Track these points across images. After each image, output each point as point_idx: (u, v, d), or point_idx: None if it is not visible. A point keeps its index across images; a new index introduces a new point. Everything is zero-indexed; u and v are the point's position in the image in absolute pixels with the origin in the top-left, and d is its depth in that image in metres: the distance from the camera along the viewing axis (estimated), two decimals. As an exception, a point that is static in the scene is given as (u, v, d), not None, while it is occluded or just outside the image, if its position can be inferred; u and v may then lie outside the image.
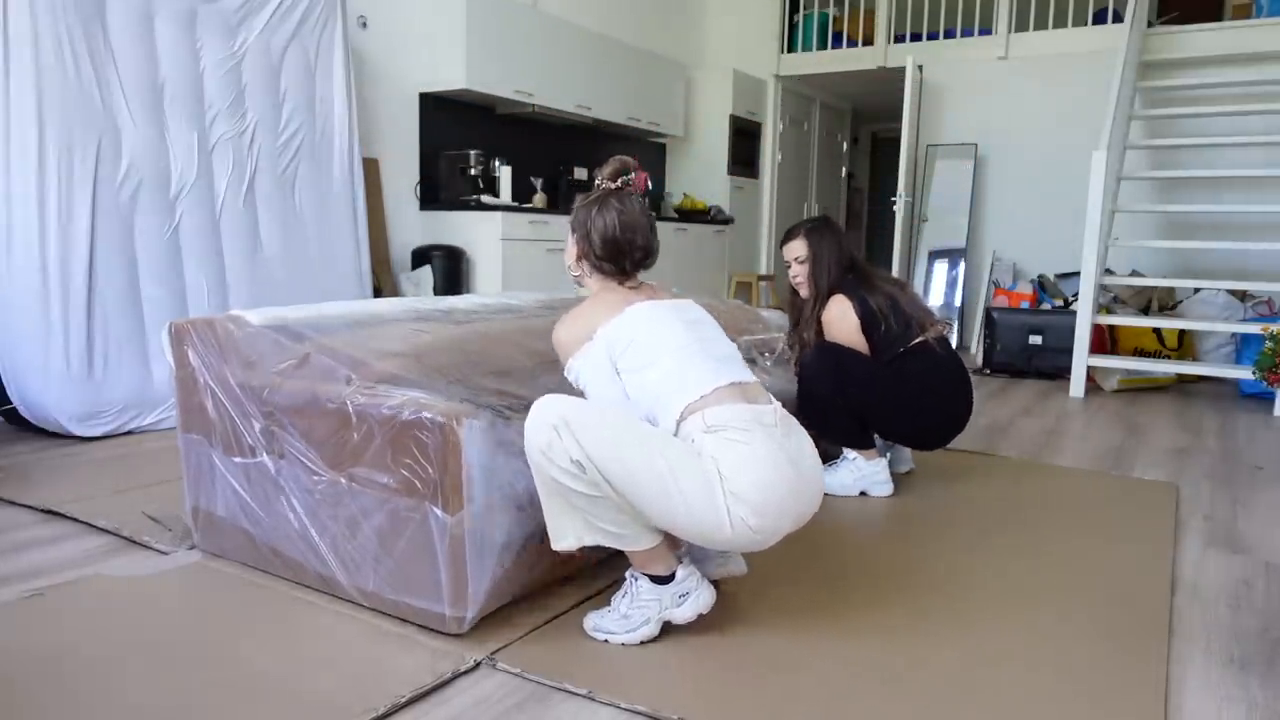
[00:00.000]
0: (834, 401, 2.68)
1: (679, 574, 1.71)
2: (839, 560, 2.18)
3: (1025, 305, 5.67)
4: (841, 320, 2.70)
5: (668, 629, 1.73)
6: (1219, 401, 4.68)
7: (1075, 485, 2.95)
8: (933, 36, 7.05)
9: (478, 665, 1.60)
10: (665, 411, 1.69)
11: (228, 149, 3.69)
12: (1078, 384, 4.76)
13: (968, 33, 6.93)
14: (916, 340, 2.70)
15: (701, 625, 1.77)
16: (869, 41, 7.29)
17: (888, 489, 2.77)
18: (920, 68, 6.86)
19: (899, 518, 2.54)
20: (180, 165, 3.51)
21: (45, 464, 2.84)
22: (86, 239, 3.19)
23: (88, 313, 3.19)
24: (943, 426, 2.81)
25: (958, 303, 6.73)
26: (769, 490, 1.61)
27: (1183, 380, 5.18)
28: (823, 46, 7.51)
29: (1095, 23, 6.47)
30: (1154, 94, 6.02)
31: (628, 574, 1.74)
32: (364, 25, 4.81)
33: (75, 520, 2.31)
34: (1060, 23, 6.68)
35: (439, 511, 1.66)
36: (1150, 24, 6.18)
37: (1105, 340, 5.20)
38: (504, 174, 5.35)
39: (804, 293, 2.80)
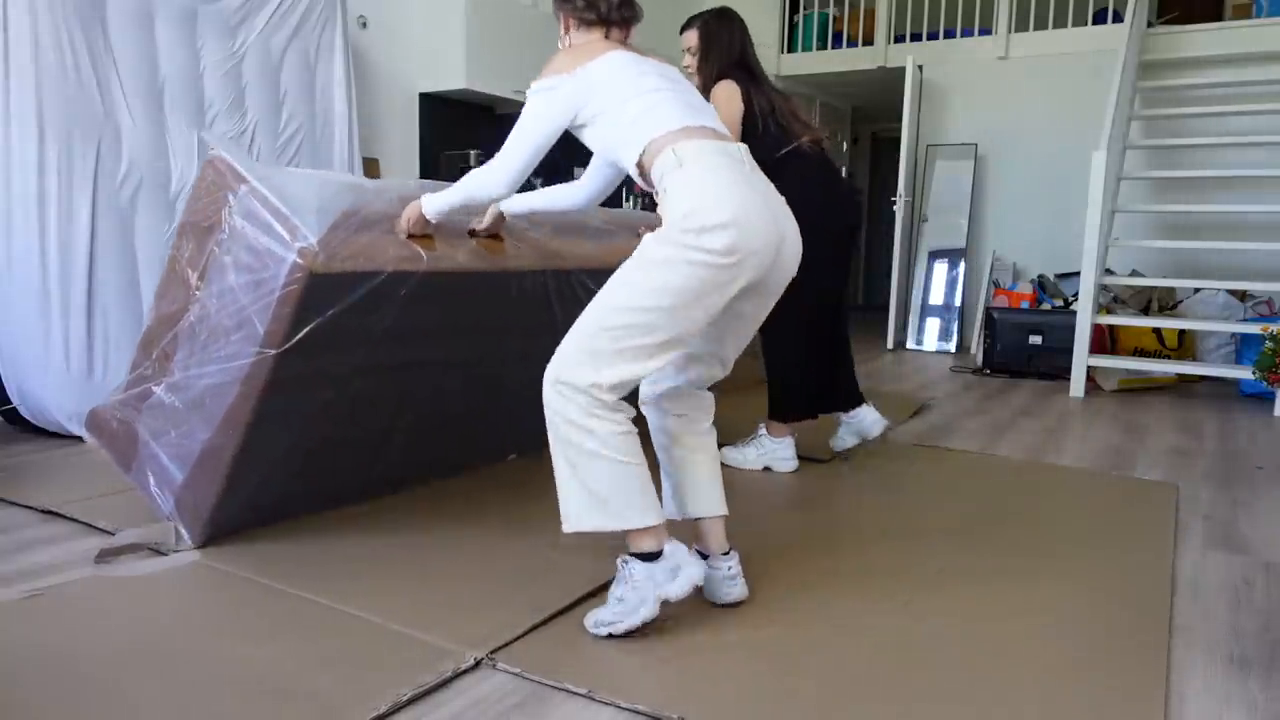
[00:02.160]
0: (799, 370, 2.94)
1: (667, 549, 1.72)
2: (836, 559, 2.18)
3: (1025, 305, 5.68)
4: (727, 103, 2.79)
5: (667, 628, 1.73)
6: (1219, 401, 4.68)
7: (1075, 485, 2.95)
8: (933, 36, 7.05)
9: (477, 665, 1.60)
10: (630, 148, 1.80)
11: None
12: (1078, 384, 4.76)
13: (968, 33, 6.93)
14: (790, 146, 2.82)
15: (701, 624, 1.77)
16: (869, 41, 7.29)
17: (791, 465, 2.99)
18: (920, 68, 6.86)
19: (897, 516, 2.54)
20: (180, 165, 3.51)
21: (45, 464, 2.84)
22: (86, 239, 3.18)
23: (88, 313, 3.18)
24: (824, 230, 2.82)
25: (958, 303, 6.73)
26: (738, 208, 1.67)
27: (1183, 380, 5.18)
28: (823, 46, 7.51)
29: (1095, 23, 6.47)
30: (1154, 94, 6.02)
31: (619, 561, 1.75)
32: (364, 25, 4.81)
33: (75, 520, 2.31)
34: (1060, 23, 6.68)
35: (238, 187, 1.93)
36: (1150, 24, 6.19)
37: (1105, 340, 5.20)
38: (504, 174, 5.34)
39: (694, 83, 2.84)
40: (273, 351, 1.92)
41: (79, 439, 3.12)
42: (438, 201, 1.98)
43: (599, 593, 1.89)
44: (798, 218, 2.75)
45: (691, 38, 2.87)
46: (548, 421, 1.71)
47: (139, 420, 2.16)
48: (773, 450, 2.97)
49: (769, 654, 1.68)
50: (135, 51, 3.38)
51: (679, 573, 1.71)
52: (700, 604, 1.86)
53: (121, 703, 1.44)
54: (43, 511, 2.38)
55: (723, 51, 2.84)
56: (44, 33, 3.08)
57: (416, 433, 2.54)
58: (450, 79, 5.11)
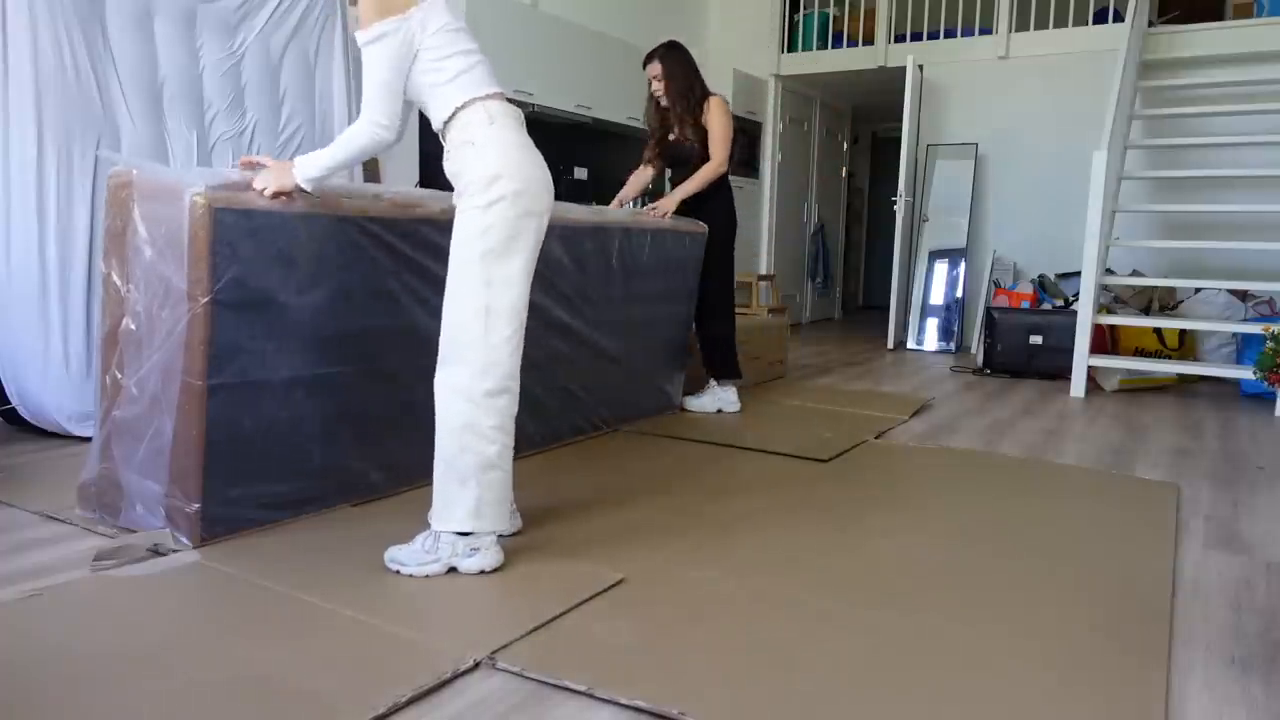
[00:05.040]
0: (721, 333, 3.81)
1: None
2: (835, 556, 2.18)
3: (1025, 305, 5.67)
4: (725, 115, 3.57)
5: (667, 624, 1.73)
6: (1220, 401, 4.68)
7: (1076, 485, 2.95)
8: (933, 36, 7.05)
9: (477, 665, 1.60)
10: (447, 98, 1.96)
11: (227, 149, 3.69)
12: (1078, 384, 4.76)
13: (968, 33, 6.93)
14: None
15: (701, 620, 1.77)
16: (869, 41, 7.29)
17: (735, 406, 3.82)
18: (920, 68, 6.86)
19: (896, 514, 2.53)
20: (179, 165, 3.51)
21: (45, 464, 2.84)
22: (85, 239, 3.18)
23: (87, 313, 3.18)
24: (732, 236, 3.83)
25: (958, 302, 6.72)
26: (525, 167, 1.96)
27: (1184, 380, 5.18)
28: (823, 46, 7.51)
29: (1095, 22, 6.47)
30: (1154, 94, 6.02)
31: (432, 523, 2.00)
32: (364, 25, 4.80)
33: (74, 522, 2.31)
34: (1060, 23, 6.68)
35: (136, 181, 2.11)
36: (1151, 23, 6.18)
37: (1106, 340, 5.20)
38: (504, 174, 5.33)
39: (665, 102, 3.62)
40: (202, 301, 2.02)
41: (78, 439, 3.13)
42: (318, 166, 2.01)
43: (599, 594, 1.89)
44: (727, 226, 3.80)
45: (656, 69, 3.55)
46: (439, 426, 1.97)
47: (115, 456, 2.20)
48: (722, 394, 3.83)
49: (767, 649, 1.67)
50: (134, 51, 3.38)
51: (475, 554, 1.97)
52: (700, 601, 1.86)
53: (121, 703, 1.44)
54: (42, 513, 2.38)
55: (691, 74, 3.55)
56: (42, 33, 3.08)
57: (403, 427, 2.55)
58: (450, 79, 5.09)
